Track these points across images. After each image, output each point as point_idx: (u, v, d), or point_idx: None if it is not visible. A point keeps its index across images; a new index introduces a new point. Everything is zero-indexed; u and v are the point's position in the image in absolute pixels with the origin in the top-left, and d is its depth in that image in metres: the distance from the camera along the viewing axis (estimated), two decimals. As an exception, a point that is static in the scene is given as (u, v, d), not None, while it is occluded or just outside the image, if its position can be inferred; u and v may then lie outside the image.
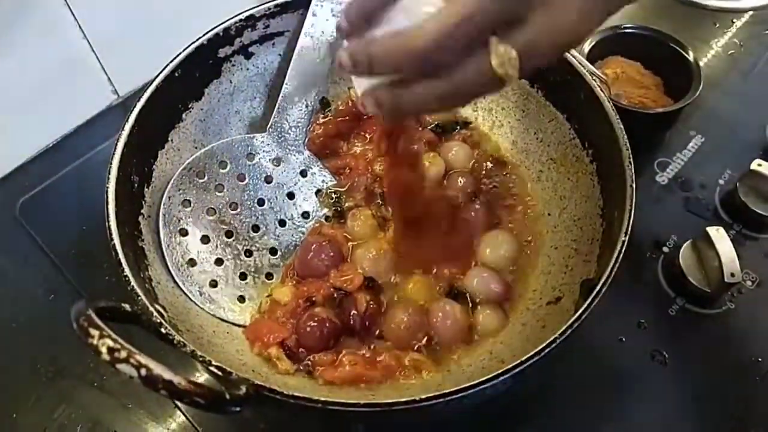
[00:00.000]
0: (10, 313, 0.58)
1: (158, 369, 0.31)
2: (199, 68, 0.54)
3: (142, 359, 0.31)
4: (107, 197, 0.44)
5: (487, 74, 0.33)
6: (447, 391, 0.37)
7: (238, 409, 0.35)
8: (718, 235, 0.55)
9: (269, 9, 0.55)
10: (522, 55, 0.32)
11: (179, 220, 0.51)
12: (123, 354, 0.31)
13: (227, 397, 0.34)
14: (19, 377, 0.55)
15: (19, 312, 0.58)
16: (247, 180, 0.54)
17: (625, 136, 0.46)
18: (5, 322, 0.58)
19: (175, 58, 0.51)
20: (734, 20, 0.80)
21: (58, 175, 0.67)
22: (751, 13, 0.80)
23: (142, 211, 0.49)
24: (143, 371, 0.31)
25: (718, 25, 0.64)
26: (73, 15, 0.63)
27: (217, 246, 0.52)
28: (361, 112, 0.61)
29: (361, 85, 0.37)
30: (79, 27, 0.64)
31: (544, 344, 0.38)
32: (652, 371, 0.54)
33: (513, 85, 0.42)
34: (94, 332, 0.31)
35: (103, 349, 0.31)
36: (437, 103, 0.36)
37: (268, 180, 0.55)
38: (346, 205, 0.55)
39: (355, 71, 0.36)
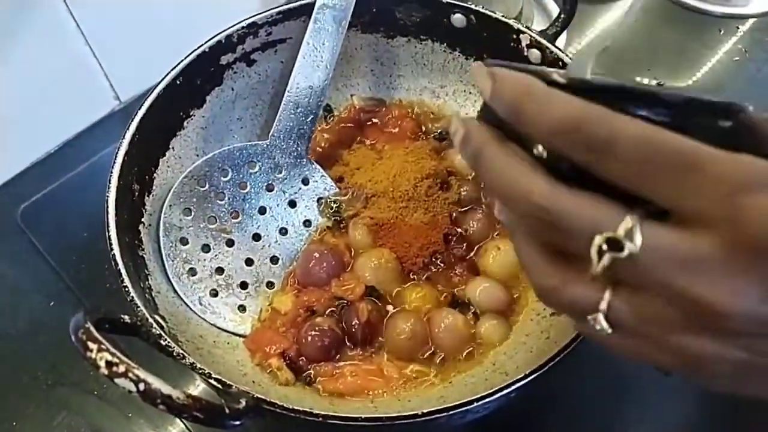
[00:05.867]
0: (10, 319, 0.58)
1: (157, 383, 0.31)
2: (201, 76, 0.53)
3: (141, 373, 0.31)
4: (107, 207, 0.44)
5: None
6: (450, 405, 0.37)
7: (237, 422, 0.34)
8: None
9: (271, 16, 0.55)
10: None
11: (180, 229, 0.50)
12: (121, 368, 0.31)
13: (226, 411, 0.33)
14: (18, 385, 0.55)
15: (19, 319, 0.58)
16: (248, 188, 0.54)
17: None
18: (5, 328, 0.58)
19: (176, 66, 0.51)
20: (739, 26, 0.79)
21: (59, 182, 0.67)
22: (755, 19, 0.80)
23: (143, 219, 0.48)
24: (141, 386, 0.30)
25: (723, 32, 0.64)
26: (75, 21, 0.63)
27: (217, 255, 0.51)
28: (363, 119, 0.62)
29: None
30: (81, 33, 0.64)
31: (548, 357, 0.38)
32: (655, 380, 0.53)
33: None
34: (93, 346, 0.31)
35: (102, 363, 0.31)
36: None
37: (270, 188, 0.54)
38: (347, 213, 0.54)
39: None
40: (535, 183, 0.25)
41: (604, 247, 0.22)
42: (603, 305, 0.24)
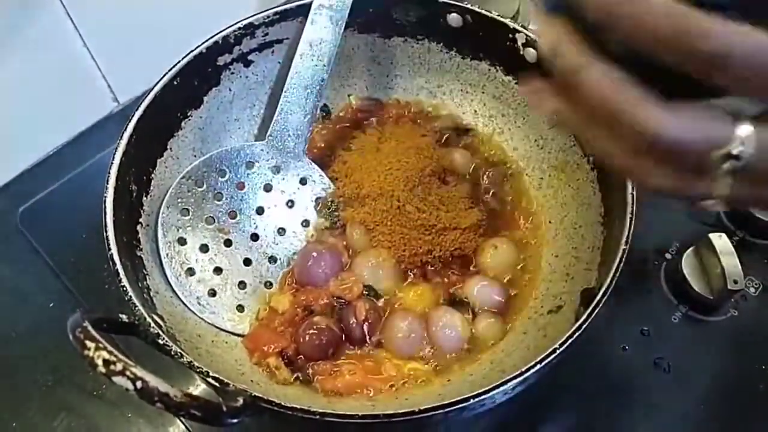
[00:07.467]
0: (9, 321, 0.58)
1: (154, 382, 0.31)
2: (198, 76, 0.53)
3: (138, 372, 0.31)
4: (105, 207, 0.44)
5: None
6: (446, 402, 0.37)
7: (235, 420, 0.34)
8: (721, 241, 0.54)
9: (268, 17, 0.55)
10: None
11: (178, 229, 0.50)
12: (119, 366, 0.31)
13: (224, 409, 0.33)
14: (18, 386, 0.55)
15: (18, 320, 0.58)
16: (246, 188, 0.54)
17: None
18: (5, 330, 0.58)
19: (173, 66, 0.51)
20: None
21: (58, 183, 0.67)
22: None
23: (141, 220, 0.49)
24: (139, 384, 0.31)
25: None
26: (73, 23, 0.63)
27: (216, 255, 0.51)
28: (360, 119, 0.62)
29: None
30: (80, 35, 0.64)
31: (544, 354, 0.38)
32: (656, 379, 0.53)
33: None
34: (90, 344, 0.31)
35: (99, 362, 0.31)
36: None
37: (268, 188, 0.54)
38: (345, 213, 0.54)
39: None
40: (651, 113, 0.25)
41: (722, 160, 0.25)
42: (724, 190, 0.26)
